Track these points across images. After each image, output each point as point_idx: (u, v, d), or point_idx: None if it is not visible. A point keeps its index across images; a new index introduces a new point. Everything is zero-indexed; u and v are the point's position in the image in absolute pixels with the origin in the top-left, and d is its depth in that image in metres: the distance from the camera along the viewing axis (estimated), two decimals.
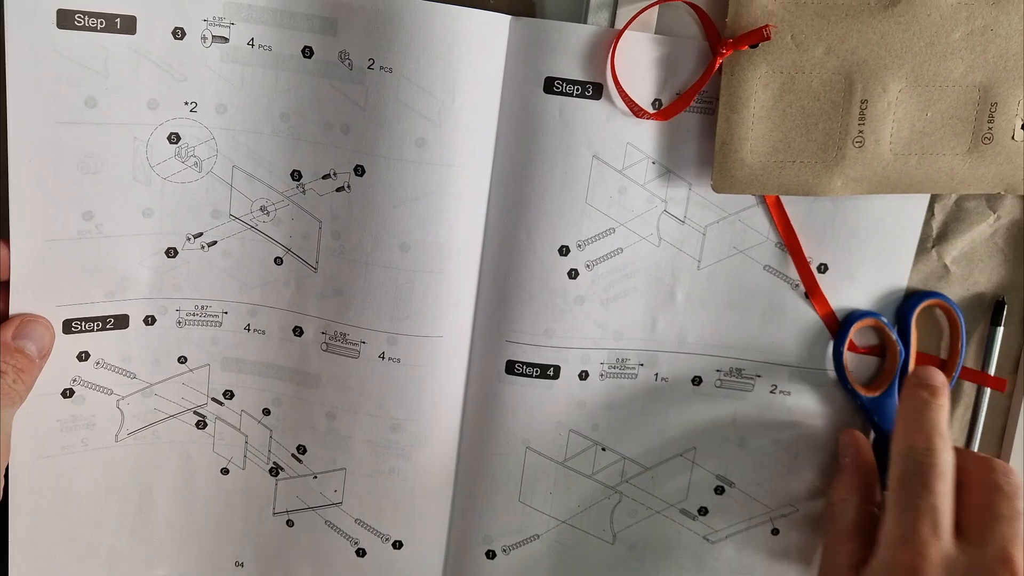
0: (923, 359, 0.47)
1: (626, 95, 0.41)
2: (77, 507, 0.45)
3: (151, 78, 0.40)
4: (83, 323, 0.43)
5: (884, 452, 0.46)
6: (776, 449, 0.47)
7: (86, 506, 0.45)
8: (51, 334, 0.41)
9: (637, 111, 0.42)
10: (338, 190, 0.42)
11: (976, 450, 0.47)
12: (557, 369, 0.45)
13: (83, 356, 0.43)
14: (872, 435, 0.47)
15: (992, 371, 0.46)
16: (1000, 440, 0.48)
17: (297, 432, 0.45)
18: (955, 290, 0.46)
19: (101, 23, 0.39)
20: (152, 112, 0.41)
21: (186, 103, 0.41)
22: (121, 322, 0.44)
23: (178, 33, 0.40)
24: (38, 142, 0.39)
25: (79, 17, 0.38)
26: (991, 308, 0.46)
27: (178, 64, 0.41)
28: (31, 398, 0.41)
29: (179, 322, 0.44)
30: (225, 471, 0.46)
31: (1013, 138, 0.42)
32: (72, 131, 0.40)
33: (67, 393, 0.43)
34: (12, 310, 0.41)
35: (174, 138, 0.42)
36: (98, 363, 0.44)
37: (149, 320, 0.44)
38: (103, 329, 0.43)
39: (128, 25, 0.39)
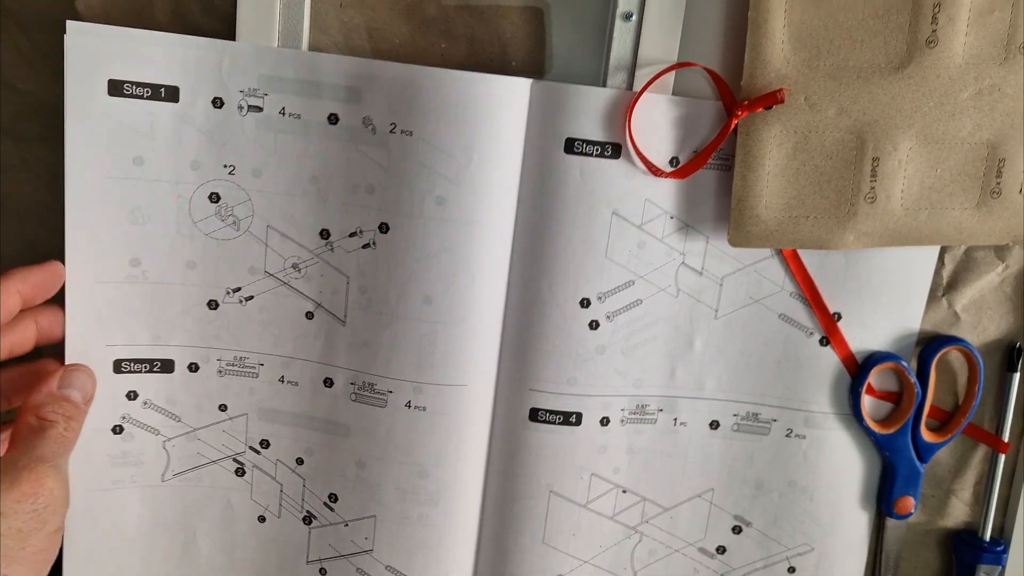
0: (932, 408, 0.48)
1: (643, 156, 0.43)
2: (128, 542, 0.47)
3: (193, 142, 0.43)
4: (131, 364, 0.46)
5: (892, 484, 0.47)
6: (792, 490, 0.48)
7: (136, 542, 0.47)
8: (93, 380, 0.44)
9: (655, 170, 0.43)
10: (364, 247, 0.44)
11: (993, 506, 0.49)
12: (579, 416, 0.46)
13: (132, 395, 0.46)
14: (881, 467, 0.48)
15: (1009, 418, 0.48)
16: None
17: (329, 481, 0.47)
18: (966, 337, 0.47)
19: (147, 92, 0.42)
20: (195, 172, 0.44)
21: (225, 166, 0.44)
22: (167, 366, 0.46)
23: (217, 102, 0.43)
24: (91, 194, 0.43)
25: (128, 86, 0.42)
26: (1001, 354, 0.48)
27: (218, 130, 0.43)
28: (85, 433, 0.44)
29: (220, 371, 0.46)
30: (262, 519, 0.48)
31: (1021, 192, 0.44)
32: (121, 185, 0.43)
33: (117, 429, 0.46)
34: (67, 347, 0.44)
35: (214, 198, 0.44)
36: (146, 403, 0.46)
37: (192, 367, 0.46)
38: (150, 371, 0.46)
39: (172, 94, 0.43)
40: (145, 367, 0.46)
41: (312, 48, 0.44)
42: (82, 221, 0.43)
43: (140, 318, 0.45)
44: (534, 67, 0.44)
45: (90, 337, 0.44)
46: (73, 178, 0.42)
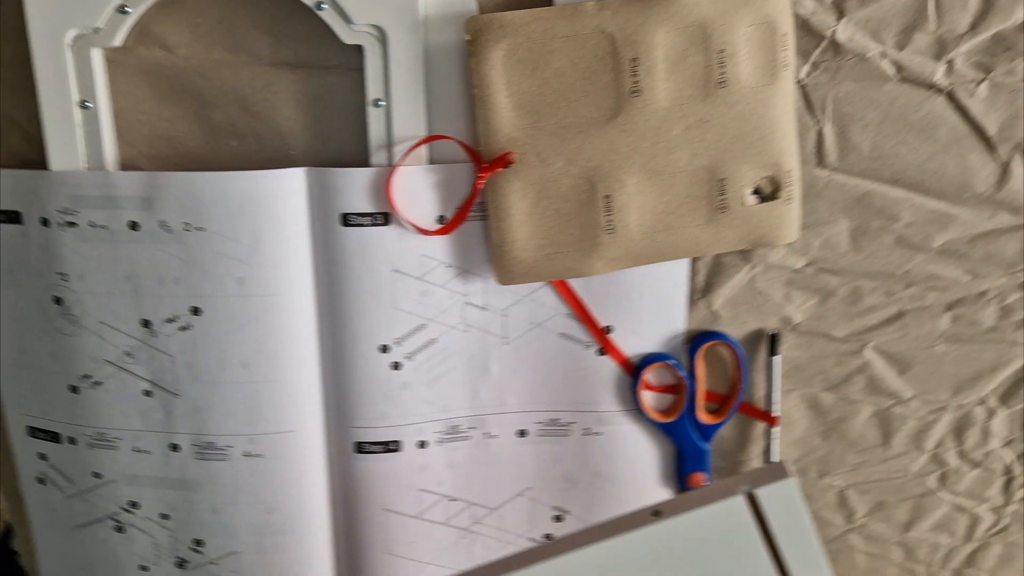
0: (709, 393, 0.55)
1: (409, 220, 0.50)
2: None
3: (36, 254, 0.51)
4: (36, 432, 0.55)
5: (683, 464, 0.55)
6: (598, 479, 0.56)
7: None
8: None
9: (422, 230, 0.50)
10: (182, 329, 0.51)
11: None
12: (398, 443, 0.54)
13: (43, 456, 0.55)
14: (672, 450, 0.55)
15: (775, 396, 0.54)
16: None
17: (192, 528, 0.54)
18: (727, 331, 0.54)
19: (1, 217, 0.51)
20: (41, 280, 0.52)
21: (59, 273, 0.51)
22: (54, 438, 0.55)
23: (44, 221, 0.50)
24: None
25: None
26: (763, 341, 0.54)
27: (48, 244, 0.51)
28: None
29: (89, 445, 0.54)
30: (144, 568, 0.56)
31: (744, 204, 0.50)
32: (3, 290, 0.53)
33: (41, 480, 0.56)
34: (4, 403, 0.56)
35: (58, 301, 0.52)
36: (51, 465, 0.55)
37: (71, 440, 0.54)
38: (48, 440, 0.55)
39: (15, 217, 0.51)
40: (44, 436, 0.55)
41: (123, 160, 0.51)
42: None
43: (33, 396, 0.54)
44: (313, 153, 0.51)
45: (12, 405, 0.55)
46: None
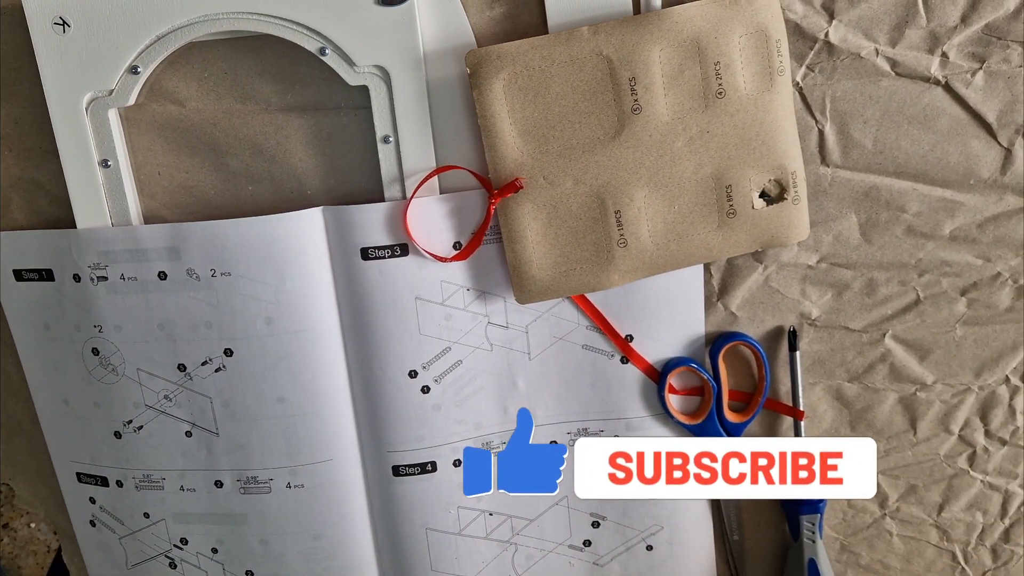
0: (734, 393, 0.56)
1: (425, 249, 0.51)
2: None
3: (71, 309, 0.53)
4: (85, 477, 0.58)
5: None
6: None
7: None
8: None
9: (439, 258, 0.52)
10: (217, 371, 0.53)
11: None
12: (434, 463, 0.55)
13: (92, 500, 0.58)
14: None
15: (800, 390, 0.55)
16: None
17: (242, 561, 0.56)
18: (748, 330, 0.55)
19: (35, 276, 0.53)
20: (78, 333, 0.54)
21: (95, 326, 0.53)
22: (103, 482, 0.57)
23: (76, 277, 0.52)
24: (28, 353, 0.56)
25: (25, 273, 0.53)
26: (783, 338, 0.55)
27: (82, 299, 0.53)
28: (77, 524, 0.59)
29: (136, 487, 0.56)
30: None
31: (753, 207, 0.51)
32: (40, 345, 0.55)
33: (93, 523, 0.58)
34: (54, 460, 0.59)
35: (95, 351, 0.54)
36: (101, 508, 0.58)
37: (119, 483, 0.57)
38: (97, 484, 0.57)
39: (49, 275, 0.53)
40: (94, 480, 0.57)
41: (145, 213, 0.53)
42: (31, 370, 0.56)
43: (78, 443, 0.56)
44: (328, 192, 0.53)
45: (60, 454, 0.58)
46: (18, 341, 0.56)
